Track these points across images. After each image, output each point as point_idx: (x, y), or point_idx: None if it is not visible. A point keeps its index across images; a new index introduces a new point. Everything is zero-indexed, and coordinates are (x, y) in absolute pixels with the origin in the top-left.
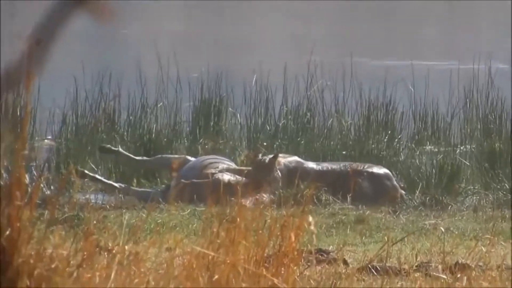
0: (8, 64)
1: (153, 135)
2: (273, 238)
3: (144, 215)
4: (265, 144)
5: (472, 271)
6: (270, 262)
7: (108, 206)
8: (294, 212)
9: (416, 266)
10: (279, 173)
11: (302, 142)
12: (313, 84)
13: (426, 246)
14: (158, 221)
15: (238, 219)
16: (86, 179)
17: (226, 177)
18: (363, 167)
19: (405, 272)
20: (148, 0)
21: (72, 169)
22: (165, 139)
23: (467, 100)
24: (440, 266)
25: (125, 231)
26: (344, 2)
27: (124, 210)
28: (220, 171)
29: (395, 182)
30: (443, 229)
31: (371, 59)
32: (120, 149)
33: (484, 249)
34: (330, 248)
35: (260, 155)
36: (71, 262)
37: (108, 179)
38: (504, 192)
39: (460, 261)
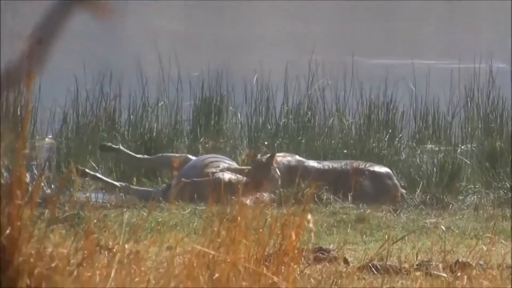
0: (9, 63)
1: (154, 134)
2: (273, 237)
3: (144, 214)
4: (266, 143)
5: (472, 270)
6: (271, 261)
7: (108, 205)
8: (295, 211)
9: (417, 265)
10: (278, 172)
11: (303, 141)
12: (314, 83)
13: (426, 245)
14: (159, 220)
15: (238, 218)
16: (87, 178)
17: (227, 176)
18: (364, 166)
19: (405, 271)
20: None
21: (72, 168)
22: (166, 138)
23: (468, 99)
24: (440, 265)
25: (126, 230)
26: (344, 1)
27: (124, 209)
28: (221, 170)
29: (396, 181)
30: (443, 228)
31: (372, 58)
32: (121, 147)
33: (484, 248)
34: (331, 246)
35: (259, 155)
36: (72, 261)
37: (108, 178)
38: (505, 191)
39: (460, 260)
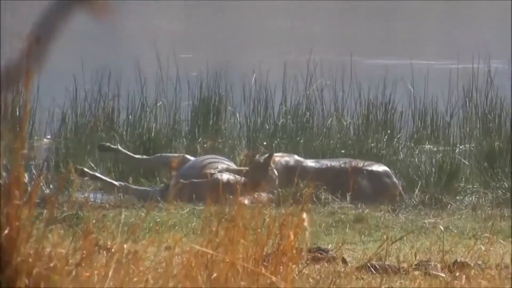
0: (7, 62)
1: (152, 134)
2: (272, 237)
3: (143, 214)
4: (264, 143)
5: (471, 270)
6: (269, 261)
7: (107, 205)
8: (293, 211)
9: (415, 265)
10: (275, 173)
11: (301, 141)
12: (312, 83)
13: (425, 245)
14: (157, 220)
15: (237, 218)
16: (85, 177)
17: (225, 176)
18: (363, 164)
19: (404, 271)
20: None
21: (71, 168)
22: (164, 138)
23: (466, 99)
24: (439, 265)
25: (124, 229)
26: (343, 1)
27: (123, 209)
28: (219, 171)
29: (394, 179)
30: (442, 228)
31: (370, 58)
32: (120, 147)
33: (483, 248)
34: (329, 246)
35: (257, 155)
36: (70, 261)
37: (107, 178)
38: (503, 191)
39: (459, 260)
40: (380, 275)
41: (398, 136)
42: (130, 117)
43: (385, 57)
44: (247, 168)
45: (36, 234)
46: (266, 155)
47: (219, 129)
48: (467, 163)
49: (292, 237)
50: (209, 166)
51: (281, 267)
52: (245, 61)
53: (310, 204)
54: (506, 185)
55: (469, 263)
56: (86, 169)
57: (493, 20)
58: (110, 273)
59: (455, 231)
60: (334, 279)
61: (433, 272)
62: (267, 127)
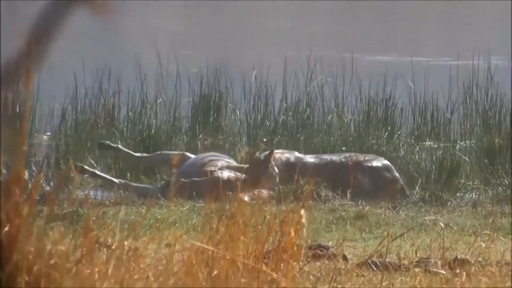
0: (8, 61)
1: (153, 130)
2: (272, 233)
3: (143, 211)
4: (264, 140)
5: (471, 267)
6: (270, 258)
7: (107, 202)
8: (294, 207)
9: (416, 262)
10: (276, 170)
11: (302, 138)
12: (313, 80)
13: (425, 242)
14: (158, 217)
15: (237, 215)
16: (85, 175)
17: (226, 174)
18: (363, 158)
19: (404, 268)
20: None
21: (71, 165)
22: (164, 135)
23: (467, 95)
24: (439, 262)
25: (124, 227)
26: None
27: (123, 206)
28: (220, 169)
29: (395, 173)
30: (442, 225)
31: (371, 55)
32: (120, 146)
33: (483, 245)
34: (330, 243)
35: (257, 153)
36: (71, 258)
37: (107, 175)
38: (504, 188)
39: (459, 257)
40: (380, 272)
41: (399, 132)
42: (130, 113)
43: (386, 54)
44: (247, 165)
45: (36, 231)
46: (267, 152)
47: (220, 125)
48: (468, 159)
49: (292, 234)
50: (210, 164)
51: (281, 264)
52: (245, 58)
53: (310, 201)
54: (507, 182)
55: (470, 260)
56: (86, 167)
57: (493, 17)
58: (110, 270)
59: (456, 228)
60: (334, 276)
61: (434, 269)
62: (268, 123)
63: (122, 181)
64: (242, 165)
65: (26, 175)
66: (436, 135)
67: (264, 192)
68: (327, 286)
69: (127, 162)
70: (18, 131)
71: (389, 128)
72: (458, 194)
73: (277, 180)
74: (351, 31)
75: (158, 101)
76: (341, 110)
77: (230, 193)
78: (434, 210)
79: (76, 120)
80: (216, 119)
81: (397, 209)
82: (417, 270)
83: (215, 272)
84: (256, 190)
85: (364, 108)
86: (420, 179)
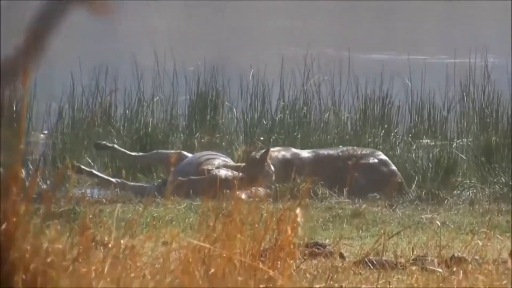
0: (6, 59)
1: (149, 129)
2: (269, 232)
3: (140, 209)
4: (261, 138)
5: (468, 265)
6: (266, 256)
7: (104, 200)
8: (290, 205)
9: (413, 260)
10: (272, 168)
11: (299, 136)
12: (309, 78)
13: (422, 240)
14: (154, 215)
15: (234, 213)
16: (82, 174)
17: (223, 172)
18: (360, 152)
19: (401, 266)
20: None
21: (68, 163)
22: (161, 133)
23: (464, 94)
24: (436, 260)
25: (121, 225)
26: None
27: (119, 204)
28: (217, 168)
29: (392, 167)
30: (439, 223)
31: (368, 53)
32: (116, 146)
33: (480, 243)
34: (327, 241)
35: (254, 151)
36: (67, 256)
37: (104, 174)
38: (501, 186)
39: (456, 255)
40: (377, 270)
41: (395, 130)
42: (127, 112)
43: (382, 52)
44: (243, 164)
45: (33, 229)
46: (263, 150)
47: (216, 124)
48: (464, 157)
49: (289, 232)
50: (206, 162)
51: (278, 262)
52: (242, 56)
53: (307, 199)
54: (503, 180)
55: (466, 258)
56: (83, 167)
57: (489, 16)
58: (107, 269)
59: (452, 226)
60: (331, 274)
61: (430, 267)
62: (265, 122)
63: (119, 180)
64: (239, 163)
65: (23, 173)
66: (433, 133)
67: (261, 190)
68: (323, 284)
69: (123, 161)
70: (15, 129)
71: (386, 126)
72: (455, 192)
73: (274, 178)
74: (348, 29)
75: (155, 99)
76: (338, 108)
77: (227, 191)
78: (431, 208)
79: (73, 118)
80: (213, 118)
81: (393, 207)
82: (413, 268)
83: (212, 270)
84: (253, 188)
85: (361, 106)
86: (417, 177)
